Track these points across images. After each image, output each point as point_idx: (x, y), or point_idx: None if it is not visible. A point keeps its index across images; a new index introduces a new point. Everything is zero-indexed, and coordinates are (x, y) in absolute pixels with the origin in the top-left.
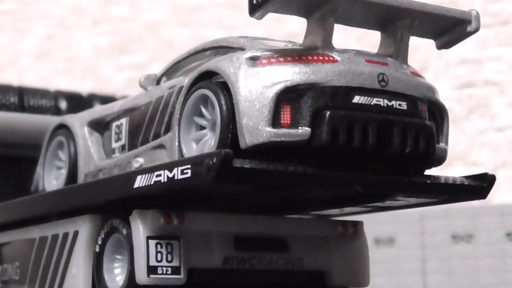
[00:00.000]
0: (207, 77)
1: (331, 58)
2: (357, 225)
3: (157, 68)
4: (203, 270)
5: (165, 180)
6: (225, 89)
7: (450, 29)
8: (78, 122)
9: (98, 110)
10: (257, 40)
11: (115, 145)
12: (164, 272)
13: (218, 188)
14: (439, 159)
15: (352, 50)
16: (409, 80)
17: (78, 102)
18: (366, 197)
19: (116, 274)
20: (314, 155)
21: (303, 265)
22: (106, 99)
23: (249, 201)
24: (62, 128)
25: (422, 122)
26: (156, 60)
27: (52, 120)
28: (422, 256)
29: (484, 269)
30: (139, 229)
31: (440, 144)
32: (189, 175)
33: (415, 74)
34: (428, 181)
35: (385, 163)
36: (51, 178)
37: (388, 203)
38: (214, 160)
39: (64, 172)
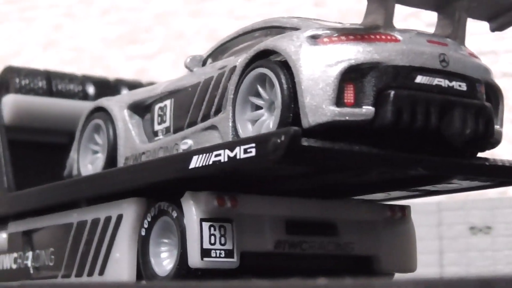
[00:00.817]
0: (264, 57)
1: (393, 38)
2: (405, 209)
3: (167, 58)
4: (255, 254)
5: (225, 160)
6: (285, 68)
7: (504, 13)
8: (117, 105)
9: (138, 93)
10: (310, 20)
11: (158, 127)
12: (218, 255)
13: (279, 168)
14: (494, 141)
15: (412, 30)
16: (467, 61)
17: (105, 87)
18: (422, 180)
19: (163, 258)
20: (376, 135)
21: (353, 250)
22: (132, 85)
23: (301, 184)
24: (99, 111)
25: (481, 104)
26: (165, 50)
27: (81, 106)
28: (439, 247)
29: (502, 261)
30: (192, 211)
31: (496, 126)
32: (253, 154)
33: (472, 55)
34: (487, 163)
35: (444, 145)
36: (86, 163)
37: (440, 186)
38: (282, 138)
39: (101, 156)
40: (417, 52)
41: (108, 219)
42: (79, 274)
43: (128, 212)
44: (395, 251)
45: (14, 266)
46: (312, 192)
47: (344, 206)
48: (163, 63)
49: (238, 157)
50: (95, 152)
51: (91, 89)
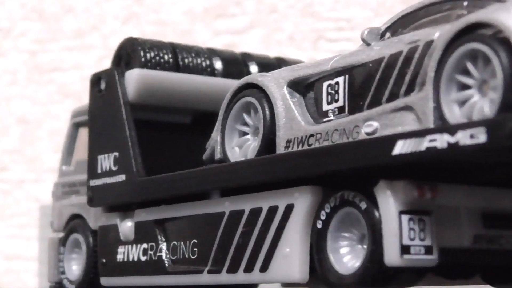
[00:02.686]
0: (471, 31)
1: None
2: None
3: (257, 34)
4: (453, 250)
5: (444, 146)
6: (505, 44)
7: None
8: (274, 82)
9: (298, 69)
10: None
11: (328, 107)
12: (417, 252)
13: (501, 156)
14: None
15: None
16: None
17: (233, 63)
18: None
19: (343, 254)
20: None
21: None
22: (260, 60)
23: (503, 173)
24: (250, 88)
25: None
26: (256, 25)
27: (209, 82)
28: None
29: None
30: (390, 203)
31: None
32: (481, 140)
33: None
34: None
35: None
36: (232, 145)
37: None
38: None
39: (250, 138)
40: None
41: (273, 209)
42: (232, 270)
43: (301, 201)
44: None
45: (143, 258)
46: (508, 182)
47: None
48: (253, 38)
49: (461, 143)
50: (244, 133)
51: (218, 64)
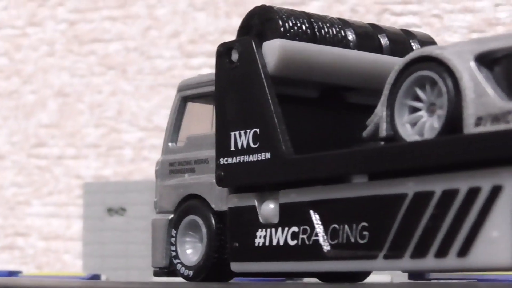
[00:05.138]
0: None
1: None
2: None
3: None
4: None
5: None
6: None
7: None
8: (457, 55)
9: (487, 42)
10: None
11: None
12: None
13: None
14: None
15: None
16: None
17: (365, 35)
18: None
19: None
20: None
21: None
22: (388, 32)
23: None
24: (424, 62)
25: None
26: None
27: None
28: None
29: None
30: None
31: None
32: None
33: None
34: None
35: None
36: (403, 122)
37: None
38: None
39: (425, 114)
40: None
41: (474, 191)
42: (418, 255)
43: (510, 183)
44: None
45: (292, 242)
46: None
47: None
48: (313, 9)
49: None
50: (414, 109)
51: (351, 36)
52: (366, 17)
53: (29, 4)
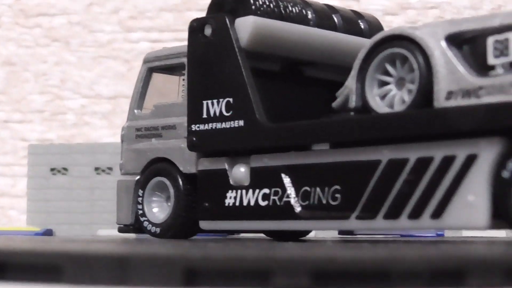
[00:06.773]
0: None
1: None
2: None
3: None
4: None
5: None
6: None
7: None
8: (429, 34)
9: (458, 23)
10: None
11: (494, 61)
12: None
13: None
14: None
15: None
16: None
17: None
18: None
19: None
20: None
21: None
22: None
23: None
24: (396, 40)
25: None
26: None
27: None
28: None
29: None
30: None
31: None
32: None
33: None
34: None
35: None
36: (373, 95)
37: None
38: None
39: (393, 88)
40: None
41: (449, 159)
42: (391, 216)
43: (487, 152)
44: None
45: (263, 203)
46: None
47: None
48: None
49: None
50: (385, 83)
51: (310, 15)
52: None
53: None
